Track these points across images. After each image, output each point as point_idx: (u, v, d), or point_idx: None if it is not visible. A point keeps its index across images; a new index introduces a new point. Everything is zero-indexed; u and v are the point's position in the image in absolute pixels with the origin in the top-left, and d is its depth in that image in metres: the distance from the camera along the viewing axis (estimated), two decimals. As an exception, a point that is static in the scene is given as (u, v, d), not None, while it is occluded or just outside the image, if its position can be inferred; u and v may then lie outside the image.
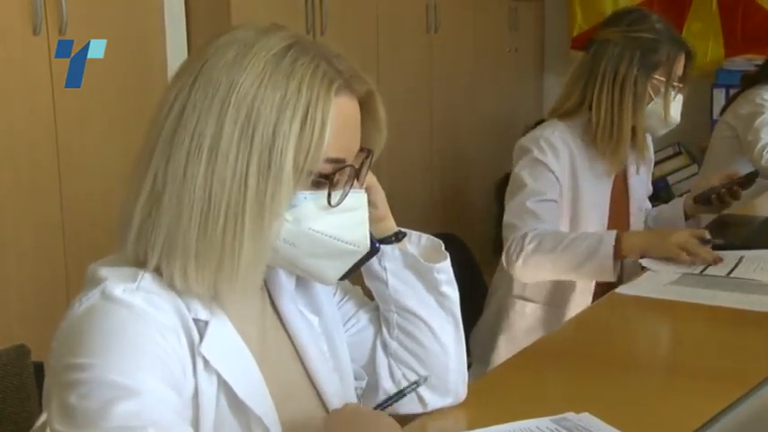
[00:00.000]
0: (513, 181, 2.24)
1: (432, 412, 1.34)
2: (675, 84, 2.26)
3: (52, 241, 2.39)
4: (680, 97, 2.29)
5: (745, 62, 4.42)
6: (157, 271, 1.02)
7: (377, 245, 1.24)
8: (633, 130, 2.25)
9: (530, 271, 2.14)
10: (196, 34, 2.90)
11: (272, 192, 0.99)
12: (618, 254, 2.09)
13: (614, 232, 2.12)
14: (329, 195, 1.04)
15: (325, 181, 1.04)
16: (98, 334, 0.97)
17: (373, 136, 1.12)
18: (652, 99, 2.24)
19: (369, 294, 1.36)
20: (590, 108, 2.24)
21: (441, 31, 3.99)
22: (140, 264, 1.02)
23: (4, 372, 1.39)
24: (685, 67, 2.28)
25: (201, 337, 1.03)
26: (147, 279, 1.01)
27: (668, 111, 2.24)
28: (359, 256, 1.12)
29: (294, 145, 0.99)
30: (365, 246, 1.10)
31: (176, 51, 2.81)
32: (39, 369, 1.45)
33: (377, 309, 1.32)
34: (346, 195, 1.06)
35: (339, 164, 1.04)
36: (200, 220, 0.99)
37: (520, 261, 2.10)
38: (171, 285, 1.01)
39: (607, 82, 2.22)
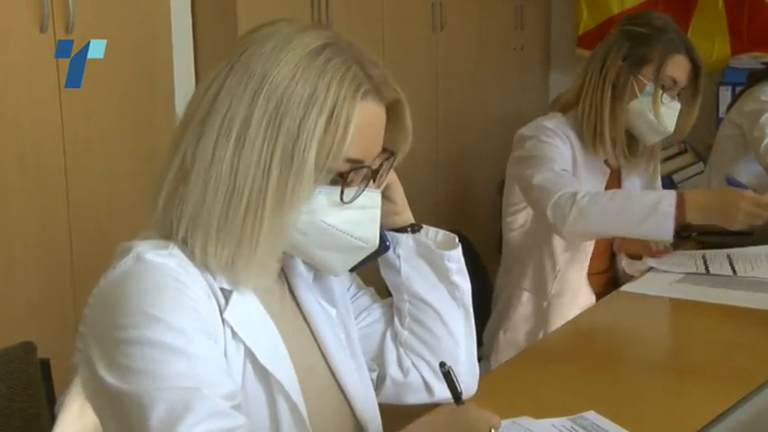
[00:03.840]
0: (523, 160, 2.16)
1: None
2: (665, 85, 2.17)
3: (58, 238, 2.39)
4: (675, 104, 2.20)
5: (752, 60, 4.40)
6: (184, 243, 1.06)
7: (387, 243, 1.27)
8: (615, 126, 2.18)
9: (583, 225, 1.98)
10: (202, 33, 2.90)
11: (293, 185, 1.03)
12: (680, 213, 1.95)
13: (674, 192, 2.00)
14: (342, 192, 1.07)
15: (340, 179, 1.06)
16: (137, 294, 1.00)
17: (398, 141, 1.16)
18: (636, 96, 2.17)
19: (382, 293, 1.37)
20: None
21: (446, 30, 3.98)
22: (167, 237, 1.07)
23: (11, 368, 1.40)
24: (695, 77, 2.20)
25: (227, 303, 1.06)
26: (176, 249, 1.05)
27: (658, 111, 2.15)
28: (367, 253, 1.14)
29: (317, 142, 1.02)
30: (374, 243, 1.13)
31: (182, 51, 2.80)
32: (45, 365, 1.46)
33: (390, 305, 1.34)
34: (360, 194, 1.09)
35: (357, 164, 1.07)
36: (224, 200, 1.03)
37: (574, 213, 1.95)
38: (192, 257, 1.05)
39: (595, 72, 2.20)
